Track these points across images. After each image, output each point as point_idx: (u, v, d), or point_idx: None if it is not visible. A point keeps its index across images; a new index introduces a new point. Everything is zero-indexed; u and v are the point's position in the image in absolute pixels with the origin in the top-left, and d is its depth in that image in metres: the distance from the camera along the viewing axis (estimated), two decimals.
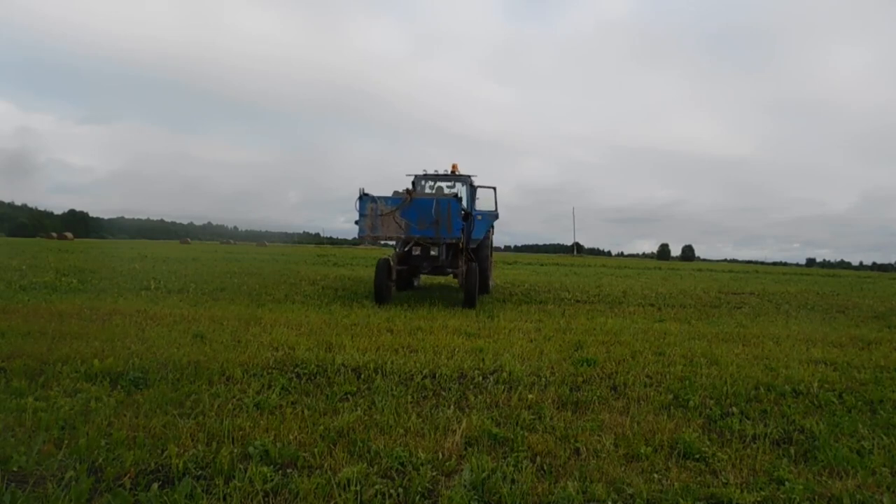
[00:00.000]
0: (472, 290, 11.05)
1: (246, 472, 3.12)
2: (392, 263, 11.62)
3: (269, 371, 5.31)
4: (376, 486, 3.05)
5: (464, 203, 12.68)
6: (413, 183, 12.87)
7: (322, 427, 3.87)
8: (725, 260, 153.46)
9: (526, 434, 3.91)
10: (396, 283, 11.94)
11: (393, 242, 13.71)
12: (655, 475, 3.37)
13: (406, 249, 12.06)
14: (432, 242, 11.44)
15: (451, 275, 12.36)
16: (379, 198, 10.98)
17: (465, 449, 3.65)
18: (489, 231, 13.83)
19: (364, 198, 11.00)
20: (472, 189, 13.80)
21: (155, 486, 2.93)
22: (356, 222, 11.05)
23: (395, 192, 11.40)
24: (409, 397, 4.72)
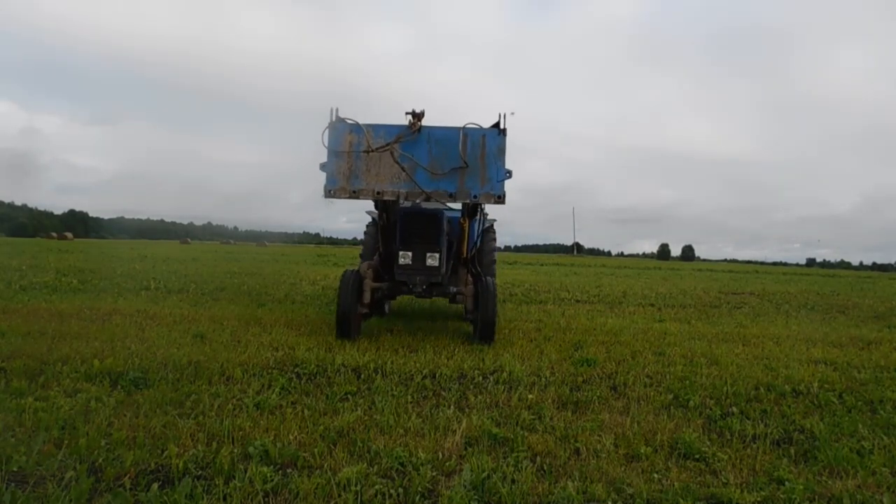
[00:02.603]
0: (491, 317, 7.12)
1: (246, 472, 3.12)
2: (365, 278, 7.57)
3: (269, 371, 5.31)
4: (376, 486, 3.05)
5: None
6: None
7: (322, 427, 3.87)
8: (725, 260, 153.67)
9: (526, 434, 3.91)
10: (370, 308, 7.70)
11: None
12: (655, 475, 3.36)
13: (387, 257, 7.86)
14: (452, 200, 7.07)
15: (453, 297, 8.08)
16: (366, 126, 6.68)
17: (465, 449, 3.65)
18: (492, 233, 9.61)
19: (339, 125, 6.70)
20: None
21: (155, 486, 2.93)
22: (322, 167, 6.71)
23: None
24: (409, 397, 4.72)
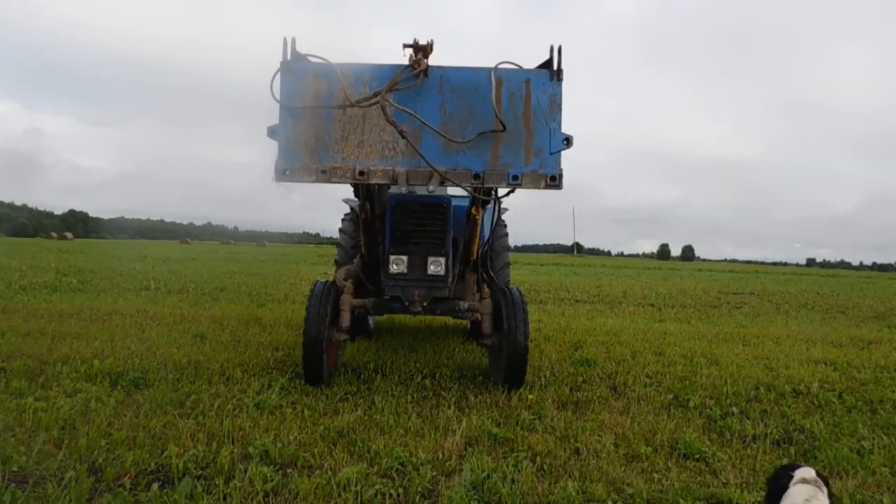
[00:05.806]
0: (522, 347, 4.97)
1: (246, 472, 3.12)
2: (343, 293, 5.52)
3: (269, 371, 5.31)
4: (376, 486, 3.05)
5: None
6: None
7: (322, 427, 3.87)
8: (725, 260, 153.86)
9: (526, 434, 3.91)
10: (349, 332, 5.57)
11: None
12: (655, 475, 3.36)
13: (372, 263, 5.90)
14: (479, 184, 4.35)
15: (464, 314, 5.77)
16: (342, 67, 4.22)
17: (465, 449, 3.65)
18: (503, 226, 7.27)
19: (298, 65, 4.29)
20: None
21: (155, 486, 2.93)
22: (271, 132, 4.27)
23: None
24: (409, 397, 4.72)
